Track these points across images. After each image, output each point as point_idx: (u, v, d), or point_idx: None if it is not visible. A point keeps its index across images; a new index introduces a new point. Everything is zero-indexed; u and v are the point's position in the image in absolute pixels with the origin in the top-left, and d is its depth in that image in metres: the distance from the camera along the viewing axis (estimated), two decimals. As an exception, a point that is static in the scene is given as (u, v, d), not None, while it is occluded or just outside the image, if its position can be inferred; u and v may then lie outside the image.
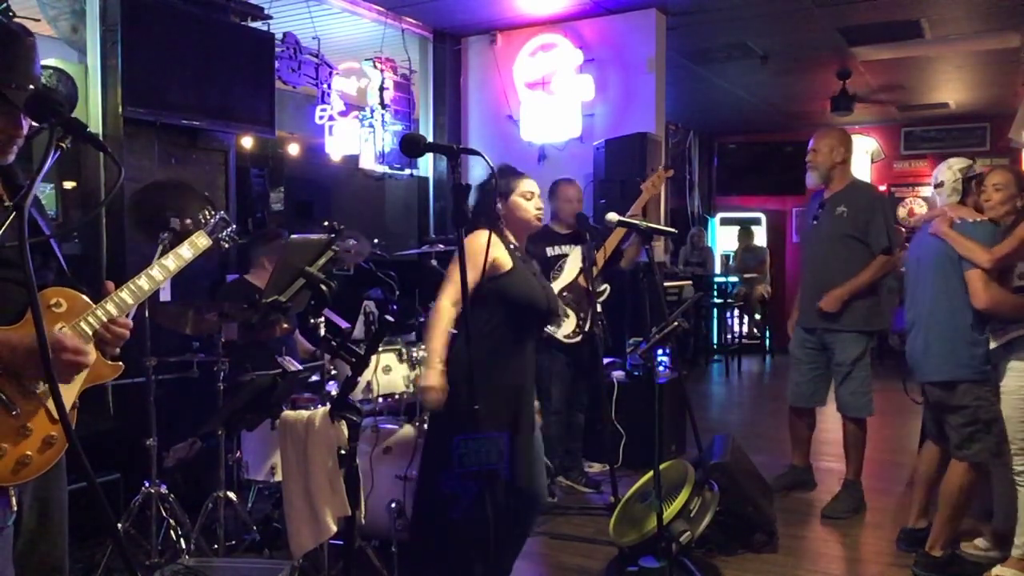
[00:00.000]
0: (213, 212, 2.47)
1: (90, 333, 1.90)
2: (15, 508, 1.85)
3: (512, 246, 2.95)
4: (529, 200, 2.97)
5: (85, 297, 1.93)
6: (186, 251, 2.18)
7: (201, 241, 2.24)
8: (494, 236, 2.81)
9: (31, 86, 1.79)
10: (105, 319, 1.92)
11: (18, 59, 1.81)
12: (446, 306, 2.82)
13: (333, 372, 3.63)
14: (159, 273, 2.07)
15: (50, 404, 1.81)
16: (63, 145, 1.60)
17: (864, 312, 4.27)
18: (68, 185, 4.43)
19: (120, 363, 1.99)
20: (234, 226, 2.55)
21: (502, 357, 2.85)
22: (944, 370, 3.46)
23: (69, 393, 1.88)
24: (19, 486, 1.85)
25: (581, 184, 5.85)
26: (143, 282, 2.02)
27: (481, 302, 2.80)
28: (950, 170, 3.65)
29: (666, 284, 8.50)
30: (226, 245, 2.55)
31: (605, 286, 4.56)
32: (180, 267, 2.14)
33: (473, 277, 2.70)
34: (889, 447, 5.87)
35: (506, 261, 2.86)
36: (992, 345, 3.34)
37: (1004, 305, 3.27)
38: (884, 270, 4.27)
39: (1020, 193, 3.37)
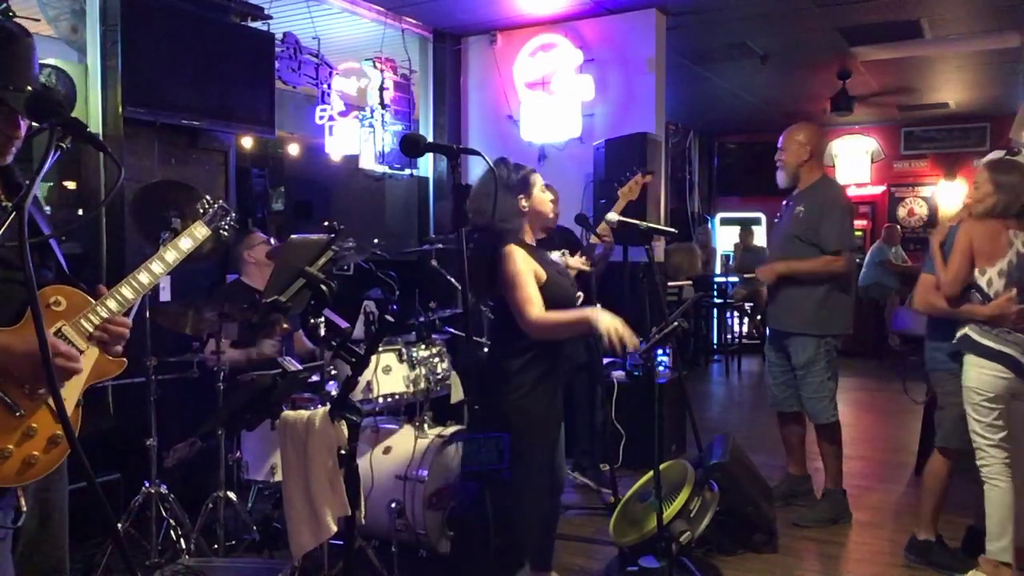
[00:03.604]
0: (211, 202, 2.44)
1: (91, 331, 1.89)
2: (23, 509, 1.85)
3: (535, 252, 2.98)
4: (544, 193, 3.01)
5: (84, 294, 1.93)
6: (185, 243, 2.16)
7: (200, 231, 2.20)
8: (524, 252, 2.86)
9: (28, 87, 1.78)
10: (105, 315, 1.91)
11: (16, 61, 1.80)
12: (541, 314, 2.80)
13: (333, 372, 3.63)
14: (159, 267, 2.06)
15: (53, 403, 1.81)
16: (63, 145, 1.59)
17: (811, 314, 4.15)
18: (68, 185, 4.43)
19: (123, 359, 1.98)
20: (234, 214, 2.52)
21: (552, 358, 2.94)
22: (929, 363, 3.69)
23: (72, 391, 1.88)
24: (24, 487, 1.85)
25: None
26: (143, 277, 2.00)
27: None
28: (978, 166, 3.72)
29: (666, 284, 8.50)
30: (226, 234, 2.52)
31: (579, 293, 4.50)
32: (179, 259, 2.11)
33: (533, 288, 2.81)
34: (889, 447, 5.88)
35: (541, 273, 2.90)
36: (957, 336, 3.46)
37: (932, 309, 3.54)
38: (826, 268, 4.10)
39: (997, 192, 3.38)
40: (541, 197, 2.98)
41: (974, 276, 3.36)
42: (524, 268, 2.82)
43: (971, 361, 3.34)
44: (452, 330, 4.40)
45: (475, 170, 6.14)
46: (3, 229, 1.62)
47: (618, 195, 4.32)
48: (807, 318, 4.17)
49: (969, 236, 3.39)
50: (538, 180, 2.99)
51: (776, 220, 4.54)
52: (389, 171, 6.31)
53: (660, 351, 5.23)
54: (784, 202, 4.47)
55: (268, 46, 4.99)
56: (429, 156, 6.56)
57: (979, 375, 3.31)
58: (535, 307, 2.78)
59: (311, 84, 5.78)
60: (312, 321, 4.10)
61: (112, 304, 1.92)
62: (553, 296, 2.89)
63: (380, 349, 3.71)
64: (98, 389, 1.99)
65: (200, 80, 4.47)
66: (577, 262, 3.85)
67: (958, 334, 3.39)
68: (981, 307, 3.31)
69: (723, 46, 7.08)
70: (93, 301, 1.92)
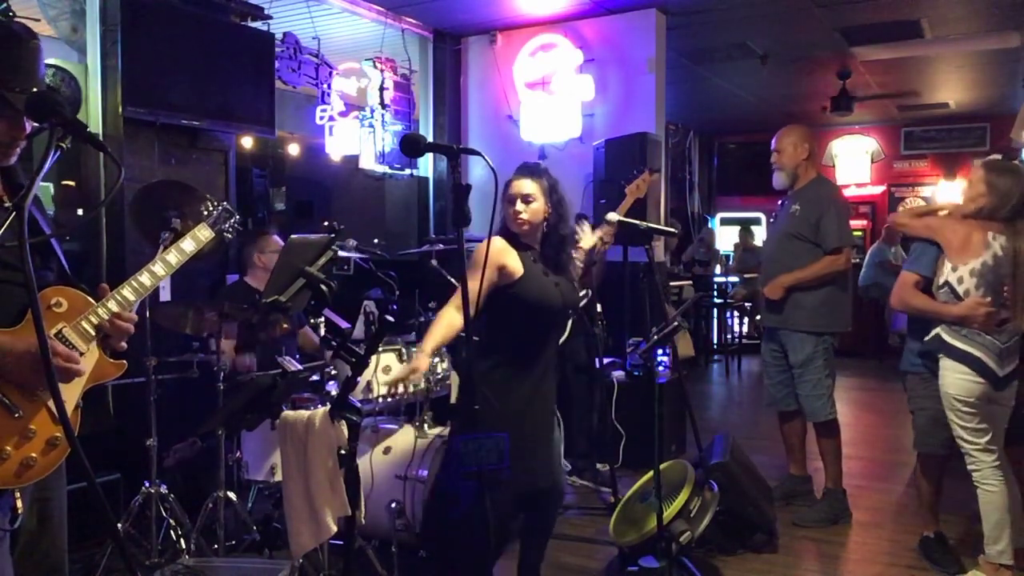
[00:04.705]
0: (216, 204, 2.44)
1: (92, 332, 1.89)
2: (20, 511, 1.84)
3: (528, 250, 2.95)
4: (511, 205, 2.92)
5: (85, 296, 1.92)
6: (188, 245, 2.15)
7: (203, 234, 2.20)
8: (504, 243, 2.86)
9: (35, 89, 1.78)
10: (107, 317, 1.91)
11: (22, 62, 1.80)
12: (449, 309, 2.87)
13: (333, 372, 3.63)
14: (161, 268, 2.05)
15: (52, 405, 1.81)
16: (63, 145, 1.59)
17: (810, 312, 4.16)
18: (68, 185, 4.43)
19: (123, 361, 1.98)
20: (237, 216, 2.52)
21: (525, 360, 2.91)
22: (901, 364, 3.70)
23: (72, 393, 1.88)
24: (22, 488, 1.85)
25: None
26: (145, 278, 2.00)
27: (495, 309, 2.85)
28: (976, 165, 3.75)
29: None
30: (230, 236, 2.52)
31: (586, 290, 4.50)
32: (182, 261, 2.11)
33: (473, 286, 2.72)
34: (889, 447, 5.88)
35: (517, 268, 2.87)
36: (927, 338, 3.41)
37: (906, 307, 3.50)
38: (829, 269, 4.12)
39: (989, 194, 3.35)
40: (505, 206, 2.93)
41: (946, 273, 3.31)
42: (480, 260, 2.75)
43: (946, 365, 3.30)
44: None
45: (475, 170, 6.16)
46: (3, 229, 1.61)
47: (625, 193, 4.32)
48: (805, 316, 4.18)
49: (943, 225, 3.40)
50: (508, 189, 2.93)
51: (771, 219, 4.55)
52: (389, 171, 6.31)
53: (660, 351, 5.23)
54: (780, 201, 4.49)
55: (268, 46, 4.99)
56: (429, 156, 6.56)
57: (955, 380, 3.27)
58: (455, 297, 2.86)
59: (311, 84, 5.78)
60: (312, 321, 4.11)
61: (113, 306, 1.92)
62: (517, 295, 2.86)
63: (380, 349, 3.71)
64: (98, 389, 1.98)
65: (200, 80, 4.47)
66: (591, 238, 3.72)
67: (931, 334, 3.35)
68: (950, 307, 3.28)
69: (723, 46, 7.08)
70: (94, 303, 1.91)
